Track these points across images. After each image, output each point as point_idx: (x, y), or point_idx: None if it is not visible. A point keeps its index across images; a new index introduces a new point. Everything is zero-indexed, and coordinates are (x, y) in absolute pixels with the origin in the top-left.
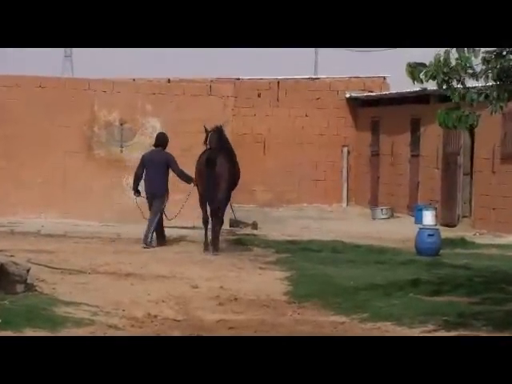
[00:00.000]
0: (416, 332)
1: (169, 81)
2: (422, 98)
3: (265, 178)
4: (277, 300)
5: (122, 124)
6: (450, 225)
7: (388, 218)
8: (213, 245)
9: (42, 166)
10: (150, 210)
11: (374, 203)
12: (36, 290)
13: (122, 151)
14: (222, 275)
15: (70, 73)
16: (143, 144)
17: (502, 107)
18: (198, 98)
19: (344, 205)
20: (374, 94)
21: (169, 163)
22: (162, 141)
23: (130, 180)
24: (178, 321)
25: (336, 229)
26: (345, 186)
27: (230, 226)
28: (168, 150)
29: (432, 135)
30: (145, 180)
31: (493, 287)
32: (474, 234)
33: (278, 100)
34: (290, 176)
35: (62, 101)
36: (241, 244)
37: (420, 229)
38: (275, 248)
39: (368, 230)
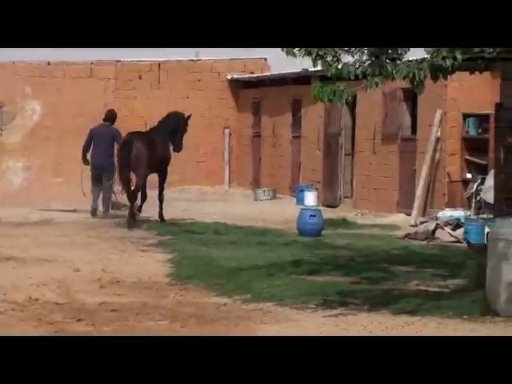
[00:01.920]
0: (295, 312)
1: (49, 63)
2: (303, 79)
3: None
4: (159, 282)
5: (1, 107)
6: (332, 205)
7: (270, 199)
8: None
9: None
10: (92, 180)
11: (255, 184)
12: None
13: (1, 134)
14: (104, 258)
15: None
16: (23, 127)
17: (377, 84)
18: (78, 81)
19: (226, 186)
20: (255, 75)
21: (115, 137)
22: (110, 116)
23: (11, 163)
24: (60, 304)
25: (218, 211)
26: (227, 167)
27: (113, 209)
28: (48, 132)
29: (313, 116)
30: (92, 152)
31: (373, 267)
32: (356, 215)
33: (159, 82)
34: (172, 158)
35: None
36: (123, 226)
37: (302, 209)
38: (157, 230)
39: (250, 212)
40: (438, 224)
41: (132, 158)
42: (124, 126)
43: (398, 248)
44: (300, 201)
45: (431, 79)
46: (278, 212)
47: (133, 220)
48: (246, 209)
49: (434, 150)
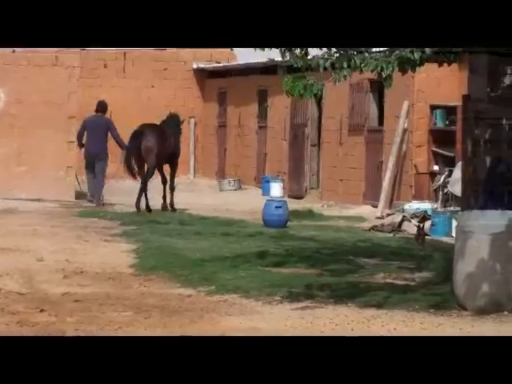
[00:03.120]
0: (260, 304)
1: (13, 51)
2: (269, 68)
3: (111, 149)
4: (123, 273)
5: None
6: (298, 196)
7: (235, 189)
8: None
9: None
10: (86, 168)
11: (221, 175)
12: None
13: None
14: (68, 248)
15: None
16: None
17: (345, 76)
18: (43, 69)
19: (191, 177)
20: (221, 64)
21: (108, 127)
22: (102, 107)
23: None
24: (23, 294)
25: (183, 201)
26: (192, 157)
27: (76, 199)
28: (12, 120)
29: (279, 106)
30: (86, 141)
31: (339, 259)
32: (322, 206)
33: (124, 71)
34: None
35: None
36: (86, 216)
37: (267, 200)
38: (122, 220)
39: (215, 202)
40: (404, 216)
41: (143, 148)
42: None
43: (364, 240)
44: (266, 192)
45: (399, 72)
46: (244, 203)
47: (139, 204)
48: (211, 199)
49: (401, 142)
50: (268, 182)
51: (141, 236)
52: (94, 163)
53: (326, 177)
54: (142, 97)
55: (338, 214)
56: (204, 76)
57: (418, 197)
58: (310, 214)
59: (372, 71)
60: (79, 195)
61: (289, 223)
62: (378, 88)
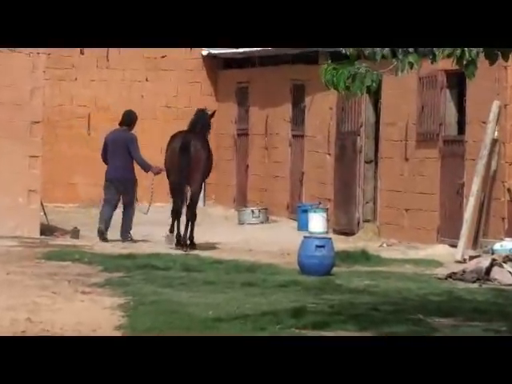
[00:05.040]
0: None
1: None
2: (307, 56)
3: (89, 168)
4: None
5: None
6: (347, 232)
7: (261, 222)
8: (190, 240)
9: None
10: (105, 197)
11: (241, 202)
12: None
13: None
14: (30, 302)
15: None
16: None
17: (411, 65)
18: None
19: (200, 204)
20: (240, 50)
21: (128, 144)
22: (127, 119)
23: None
24: None
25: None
26: None
27: (42, 234)
28: None
29: (322, 108)
30: (108, 164)
31: (404, 318)
32: (380, 246)
33: (107, 59)
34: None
35: None
36: (56, 259)
37: (305, 238)
38: (104, 264)
39: (233, 240)
40: (494, 260)
41: (193, 164)
42: (57, 120)
43: (439, 293)
44: (303, 226)
45: (486, 59)
46: (272, 240)
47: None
48: (227, 235)
49: (490, 157)
50: (306, 211)
51: (130, 286)
52: (119, 191)
53: (386, 205)
54: (133, 94)
55: (402, 257)
56: (217, 66)
57: None
58: (363, 257)
59: (448, 57)
60: (46, 230)
61: (334, 269)
62: (458, 83)
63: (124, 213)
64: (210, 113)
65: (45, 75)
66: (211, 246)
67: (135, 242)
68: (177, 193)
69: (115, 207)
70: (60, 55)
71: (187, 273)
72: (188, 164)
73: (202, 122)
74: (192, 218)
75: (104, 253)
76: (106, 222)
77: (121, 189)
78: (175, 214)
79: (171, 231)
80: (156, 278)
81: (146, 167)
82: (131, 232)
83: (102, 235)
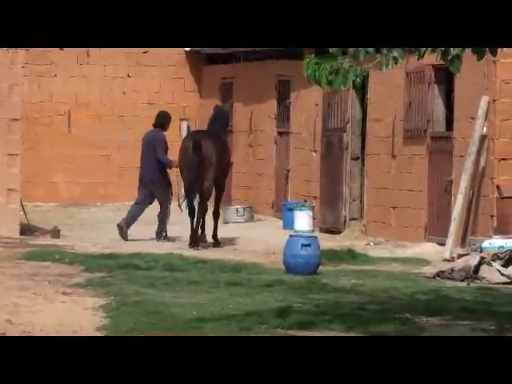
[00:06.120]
0: None
1: None
2: (292, 51)
3: (70, 166)
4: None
5: None
6: (334, 231)
7: (245, 221)
8: (213, 238)
9: None
10: (139, 197)
11: (225, 200)
12: None
13: None
14: (10, 304)
15: None
16: None
17: (396, 59)
18: None
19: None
20: None
21: (154, 143)
22: (160, 120)
23: None
24: None
25: (170, 235)
26: None
27: (21, 234)
28: None
29: (307, 104)
30: (140, 166)
31: (391, 317)
32: (367, 244)
33: (88, 55)
34: (106, 163)
35: None
36: (36, 259)
37: (291, 236)
38: (85, 264)
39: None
40: (483, 258)
41: (207, 162)
42: (36, 117)
43: (427, 291)
44: (288, 224)
45: (474, 54)
46: (257, 239)
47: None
48: (210, 234)
49: (479, 154)
50: (291, 210)
51: (112, 287)
52: (150, 192)
53: (373, 203)
54: (114, 91)
55: (389, 256)
56: (201, 61)
57: (501, 230)
58: (350, 256)
59: (433, 51)
60: (26, 229)
61: (320, 268)
62: (447, 78)
63: (158, 213)
64: (227, 108)
65: (24, 71)
66: None
67: (173, 240)
68: (190, 192)
69: (143, 207)
70: (39, 51)
71: (170, 272)
72: (198, 163)
73: (219, 120)
74: (202, 214)
75: (85, 252)
76: (127, 219)
77: (152, 190)
78: (191, 213)
79: (195, 231)
80: (138, 278)
81: (167, 163)
82: (166, 232)
83: (121, 230)
